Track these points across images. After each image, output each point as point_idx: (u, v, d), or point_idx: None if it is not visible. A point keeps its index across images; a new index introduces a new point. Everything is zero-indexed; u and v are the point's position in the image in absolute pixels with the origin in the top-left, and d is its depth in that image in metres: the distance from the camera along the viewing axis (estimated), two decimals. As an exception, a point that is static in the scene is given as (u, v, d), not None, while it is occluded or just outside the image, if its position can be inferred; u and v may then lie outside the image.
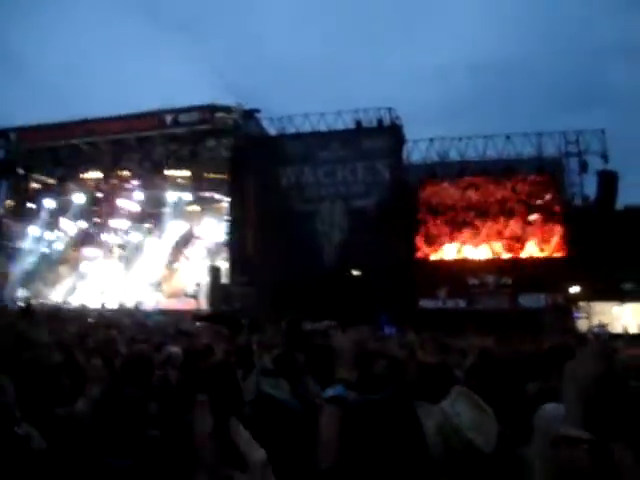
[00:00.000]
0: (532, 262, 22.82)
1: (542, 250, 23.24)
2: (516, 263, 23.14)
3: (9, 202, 31.36)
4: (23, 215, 31.96)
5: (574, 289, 22.00)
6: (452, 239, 24.41)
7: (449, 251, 24.38)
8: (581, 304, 22.25)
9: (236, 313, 21.30)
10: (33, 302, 27.59)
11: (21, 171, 30.97)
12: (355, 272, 23.29)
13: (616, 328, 19.45)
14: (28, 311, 12.59)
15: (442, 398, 1.94)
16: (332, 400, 2.10)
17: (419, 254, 24.40)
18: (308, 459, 2.04)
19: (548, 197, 23.68)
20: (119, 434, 2.52)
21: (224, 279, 26.01)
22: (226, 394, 3.11)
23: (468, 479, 1.72)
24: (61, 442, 2.59)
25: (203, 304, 25.68)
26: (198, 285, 27.58)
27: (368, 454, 1.75)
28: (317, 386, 3.44)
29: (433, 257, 24.39)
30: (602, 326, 19.95)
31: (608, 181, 22.67)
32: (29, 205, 32.20)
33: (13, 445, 2.26)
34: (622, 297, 21.76)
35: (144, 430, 2.60)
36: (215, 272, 26.28)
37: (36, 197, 32.22)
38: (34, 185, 32.02)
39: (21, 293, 30.37)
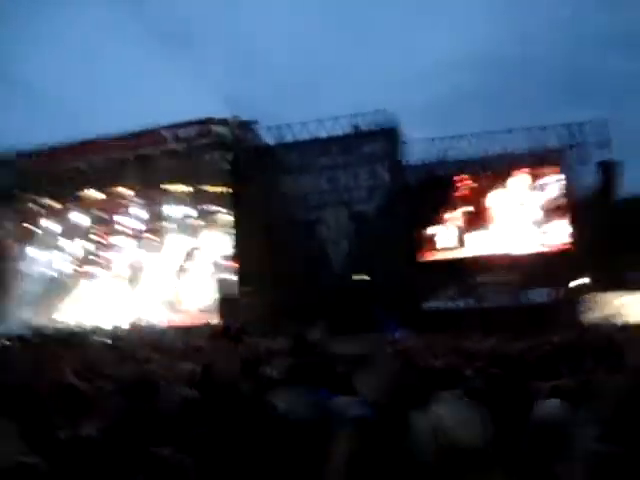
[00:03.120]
0: (537, 257, 22.73)
1: (546, 244, 23.21)
2: (521, 258, 23.05)
3: (11, 226, 31.48)
4: (26, 238, 32.08)
5: (579, 281, 21.93)
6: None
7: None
8: (587, 296, 22.17)
9: (242, 326, 21.30)
10: (42, 325, 27.69)
11: (23, 196, 31.11)
12: (362, 277, 23.27)
13: (622, 319, 19.33)
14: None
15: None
16: (354, 422, 2.14)
17: (423, 254, 24.46)
18: (316, 470, 2.05)
19: (552, 189, 23.65)
20: (129, 455, 2.53)
21: (232, 292, 26.01)
22: (233, 408, 3.12)
23: (463, 475, 1.75)
24: (66, 465, 2.60)
25: (213, 318, 25.63)
26: (207, 300, 27.56)
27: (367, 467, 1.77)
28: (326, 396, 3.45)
29: (437, 256, 24.39)
30: (609, 318, 19.81)
31: (608, 171, 22.67)
32: (32, 228, 32.31)
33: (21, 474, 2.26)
34: (627, 287, 21.67)
35: (154, 449, 2.60)
36: (223, 285, 26.29)
37: (38, 220, 32.33)
38: (35, 208, 32.12)
39: (28, 317, 30.40)
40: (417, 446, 1.84)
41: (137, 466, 2.38)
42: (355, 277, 23.06)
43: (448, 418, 1.84)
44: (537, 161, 23.95)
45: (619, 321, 18.59)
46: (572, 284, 22.01)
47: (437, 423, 1.84)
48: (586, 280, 21.90)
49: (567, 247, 22.60)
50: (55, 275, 33.32)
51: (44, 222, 32.31)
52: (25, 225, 32.05)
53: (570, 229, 22.74)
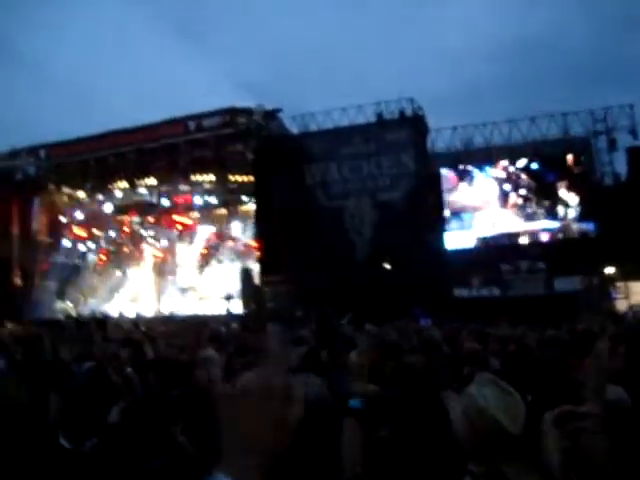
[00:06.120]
0: (566, 244, 22.39)
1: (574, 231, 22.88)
2: (550, 246, 22.75)
3: (42, 217, 31.94)
4: (56, 229, 32.54)
5: (609, 269, 21.58)
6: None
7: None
8: (618, 284, 21.82)
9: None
10: (72, 313, 28.15)
11: (52, 186, 31.54)
12: (387, 265, 23.16)
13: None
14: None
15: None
16: (351, 413, 2.12)
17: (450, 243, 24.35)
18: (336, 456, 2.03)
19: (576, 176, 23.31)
20: (151, 438, 2.54)
21: (256, 280, 26.11)
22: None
23: (497, 461, 1.71)
24: (97, 450, 2.61)
25: (236, 307, 25.77)
26: (230, 288, 27.72)
27: (394, 452, 1.74)
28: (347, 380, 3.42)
29: (465, 245, 24.20)
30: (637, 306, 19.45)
31: (637, 157, 22.18)
32: (61, 218, 32.75)
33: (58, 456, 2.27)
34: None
35: (174, 433, 2.60)
36: (247, 274, 26.37)
37: (67, 210, 32.79)
38: (65, 199, 32.55)
39: (59, 306, 30.92)
40: (450, 428, 1.81)
41: (157, 449, 2.38)
42: (381, 265, 22.94)
43: (487, 398, 1.79)
44: (562, 148, 23.54)
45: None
46: (602, 272, 21.66)
47: (472, 403, 1.80)
48: (614, 268, 21.56)
49: (596, 235, 22.21)
50: (83, 265, 33.82)
51: (72, 212, 32.74)
52: (54, 215, 32.49)
53: (598, 216, 22.33)
